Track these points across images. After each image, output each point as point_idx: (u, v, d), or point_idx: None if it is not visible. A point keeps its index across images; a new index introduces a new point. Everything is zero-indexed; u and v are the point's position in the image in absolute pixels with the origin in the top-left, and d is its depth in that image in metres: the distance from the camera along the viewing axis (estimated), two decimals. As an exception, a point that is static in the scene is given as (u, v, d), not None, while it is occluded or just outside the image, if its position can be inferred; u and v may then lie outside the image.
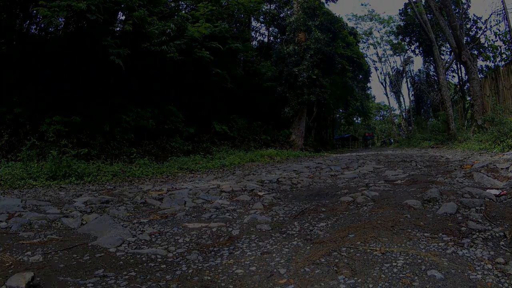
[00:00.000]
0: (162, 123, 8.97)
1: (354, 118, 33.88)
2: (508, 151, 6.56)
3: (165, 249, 1.89)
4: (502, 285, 1.24)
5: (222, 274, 1.52)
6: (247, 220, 2.45)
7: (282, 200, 3.29)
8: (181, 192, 3.73)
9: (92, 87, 8.49)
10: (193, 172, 6.68)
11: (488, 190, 2.77)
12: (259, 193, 3.62)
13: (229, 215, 2.66)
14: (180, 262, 1.69)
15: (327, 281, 1.36)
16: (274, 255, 1.72)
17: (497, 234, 1.76)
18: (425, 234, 1.82)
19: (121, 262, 1.69)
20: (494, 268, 1.37)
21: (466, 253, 1.55)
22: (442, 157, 7.52)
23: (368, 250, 1.64)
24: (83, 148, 6.60)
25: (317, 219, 2.39)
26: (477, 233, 1.78)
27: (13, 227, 2.24)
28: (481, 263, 1.43)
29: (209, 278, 1.49)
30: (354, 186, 3.85)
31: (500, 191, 2.73)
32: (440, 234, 1.82)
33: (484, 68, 20.60)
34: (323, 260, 1.58)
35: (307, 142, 16.22)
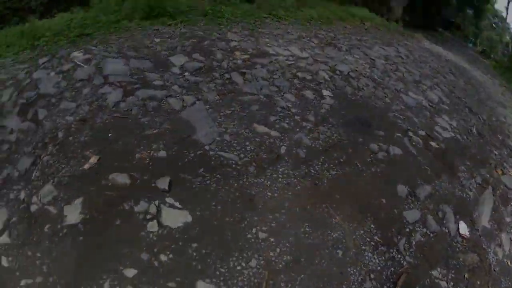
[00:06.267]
0: None
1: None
2: None
3: (237, 155, 2.69)
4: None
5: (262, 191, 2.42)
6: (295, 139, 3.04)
7: (332, 116, 3.51)
8: (261, 70, 4.02)
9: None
10: (279, 20, 6.43)
11: None
12: (323, 93, 3.93)
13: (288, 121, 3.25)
14: (243, 172, 2.55)
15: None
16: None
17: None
18: None
19: (212, 163, 2.57)
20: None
21: None
22: None
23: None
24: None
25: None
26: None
27: (133, 109, 2.86)
28: None
29: (253, 193, 2.41)
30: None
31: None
32: None
33: None
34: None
35: (407, 13, 12.37)
